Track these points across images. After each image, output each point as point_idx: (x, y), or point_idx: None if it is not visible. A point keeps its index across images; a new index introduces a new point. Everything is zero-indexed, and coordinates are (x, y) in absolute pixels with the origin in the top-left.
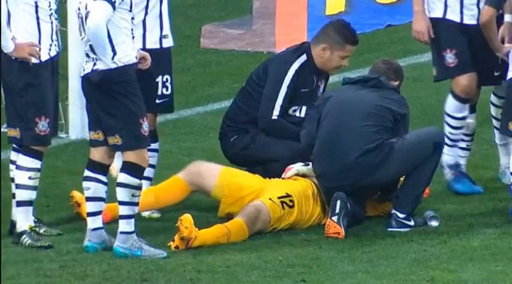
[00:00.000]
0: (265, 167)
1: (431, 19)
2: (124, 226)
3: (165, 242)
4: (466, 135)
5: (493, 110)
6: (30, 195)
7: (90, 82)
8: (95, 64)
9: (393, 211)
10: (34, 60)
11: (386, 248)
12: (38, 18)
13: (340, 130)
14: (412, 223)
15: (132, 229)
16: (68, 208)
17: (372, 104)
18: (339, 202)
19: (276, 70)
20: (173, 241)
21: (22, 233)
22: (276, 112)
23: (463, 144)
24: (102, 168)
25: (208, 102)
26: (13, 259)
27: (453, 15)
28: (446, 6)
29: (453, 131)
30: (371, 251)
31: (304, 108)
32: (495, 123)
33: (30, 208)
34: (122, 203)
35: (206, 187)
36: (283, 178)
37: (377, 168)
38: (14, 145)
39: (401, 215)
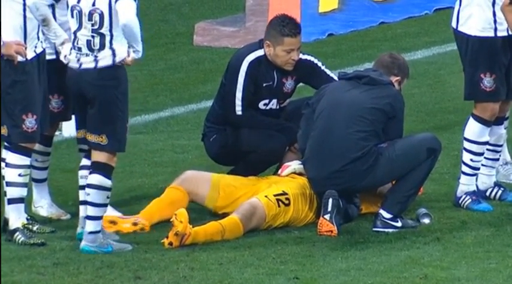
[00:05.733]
0: (246, 160)
1: (484, 38)
2: (94, 226)
3: (158, 240)
4: (498, 145)
5: None
6: (21, 192)
7: (88, 78)
8: (96, 61)
9: (380, 210)
10: (20, 58)
11: (379, 245)
12: (24, 16)
13: (327, 136)
14: (399, 224)
15: (100, 228)
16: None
17: (363, 107)
18: (330, 200)
19: (231, 66)
20: (167, 237)
21: (15, 230)
22: (238, 108)
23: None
24: None
25: (202, 100)
26: (6, 257)
27: (503, 31)
28: (496, 23)
29: (476, 158)
30: (364, 248)
31: (274, 101)
32: None
33: (22, 205)
34: (95, 205)
35: (201, 193)
36: (279, 175)
37: (364, 175)
38: (5, 143)
39: (387, 216)
